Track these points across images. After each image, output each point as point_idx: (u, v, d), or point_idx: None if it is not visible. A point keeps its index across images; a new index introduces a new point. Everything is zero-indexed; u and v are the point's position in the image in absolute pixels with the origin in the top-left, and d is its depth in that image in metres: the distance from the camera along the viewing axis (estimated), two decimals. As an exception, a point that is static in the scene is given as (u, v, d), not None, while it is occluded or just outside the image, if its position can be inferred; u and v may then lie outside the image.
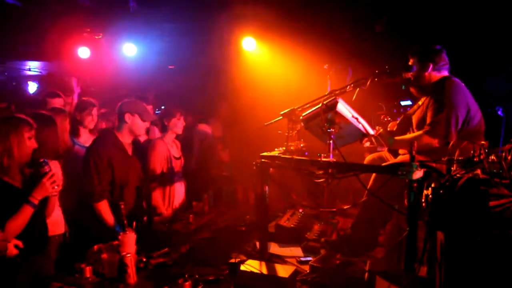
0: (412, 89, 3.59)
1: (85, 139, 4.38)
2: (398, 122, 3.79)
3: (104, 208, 3.68)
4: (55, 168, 3.39)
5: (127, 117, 3.81)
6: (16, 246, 2.68)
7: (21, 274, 2.71)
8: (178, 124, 4.62)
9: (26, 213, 2.72)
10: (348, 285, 2.80)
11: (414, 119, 3.56)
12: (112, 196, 3.76)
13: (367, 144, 3.43)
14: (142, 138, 4.82)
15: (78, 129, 4.38)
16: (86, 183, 3.67)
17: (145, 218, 4.19)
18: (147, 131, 5.26)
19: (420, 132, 3.35)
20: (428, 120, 3.33)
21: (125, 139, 3.89)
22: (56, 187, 2.85)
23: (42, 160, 2.85)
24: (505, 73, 5.78)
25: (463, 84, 3.41)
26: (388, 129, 3.81)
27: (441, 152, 2.95)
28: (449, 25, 5.43)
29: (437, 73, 3.46)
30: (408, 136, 3.48)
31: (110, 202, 3.73)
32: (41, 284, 2.76)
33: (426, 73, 3.46)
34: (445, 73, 3.48)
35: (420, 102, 3.60)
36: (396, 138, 3.45)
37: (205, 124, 6.26)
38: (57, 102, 4.77)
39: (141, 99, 4.44)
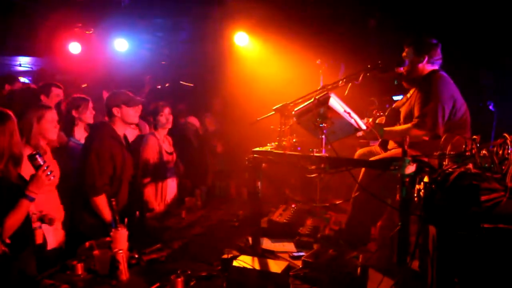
0: (403, 82, 3.62)
1: (80, 135, 4.35)
2: (386, 114, 3.81)
3: (102, 202, 3.65)
4: (49, 160, 3.36)
5: (115, 110, 3.83)
6: (3, 242, 2.65)
7: (9, 271, 2.68)
8: (168, 119, 4.62)
9: (24, 208, 2.70)
10: (340, 279, 2.80)
11: (402, 112, 3.59)
12: (110, 190, 3.74)
13: (360, 133, 3.44)
14: (134, 133, 4.80)
15: (75, 126, 4.34)
16: (87, 176, 3.63)
17: (137, 213, 4.17)
18: (139, 127, 5.23)
19: (408, 125, 3.38)
20: (416, 113, 3.37)
21: (120, 130, 3.90)
22: (52, 178, 2.81)
23: (34, 152, 2.81)
24: (497, 68, 5.80)
25: (449, 78, 3.45)
26: (377, 122, 3.82)
27: (433, 146, 2.96)
28: (442, 20, 5.43)
29: (430, 66, 3.49)
30: (398, 128, 3.51)
31: (108, 196, 3.70)
32: (31, 282, 2.74)
33: (420, 65, 3.48)
34: (436, 67, 3.51)
35: (408, 95, 3.62)
36: (386, 129, 3.47)
37: (194, 117, 6.26)
38: (59, 93, 4.79)
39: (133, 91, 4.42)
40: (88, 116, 4.40)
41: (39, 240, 3.22)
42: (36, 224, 3.22)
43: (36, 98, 4.50)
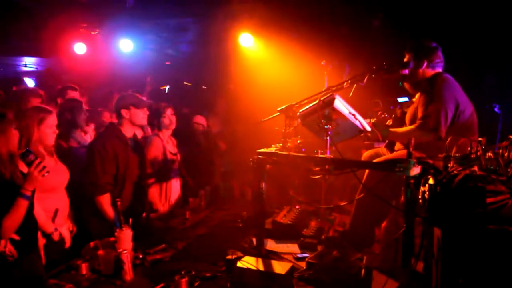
0: (406, 85, 3.61)
1: (79, 138, 4.34)
2: (393, 116, 3.80)
3: (106, 201, 3.68)
4: (51, 163, 3.36)
5: (124, 112, 3.87)
6: (11, 240, 2.65)
7: (15, 271, 2.68)
8: (172, 120, 4.63)
9: (21, 207, 2.68)
10: (344, 281, 2.79)
11: (407, 114, 3.58)
12: (114, 190, 3.75)
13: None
14: (139, 135, 4.80)
15: (70, 129, 4.31)
16: (90, 175, 3.66)
17: (144, 214, 4.18)
18: (143, 129, 5.24)
19: (412, 126, 3.37)
20: (419, 115, 3.35)
21: (128, 132, 3.94)
22: (45, 174, 2.79)
23: (25, 149, 2.78)
24: (502, 70, 5.79)
25: (453, 80, 3.42)
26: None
27: (438, 148, 2.95)
28: (447, 21, 5.42)
29: (431, 70, 3.48)
30: (402, 129, 3.50)
31: (112, 196, 3.72)
32: (36, 281, 2.75)
33: (420, 70, 3.47)
34: (439, 70, 3.50)
35: (414, 99, 3.62)
36: (390, 130, 3.47)
37: (201, 116, 6.26)
38: (75, 94, 4.81)
39: (136, 91, 4.43)
40: (82, 118, 4.38)
41: (56, 238, 3.27)
42: (52, 227, 3.25)
43: (36, 99, 4.46)
